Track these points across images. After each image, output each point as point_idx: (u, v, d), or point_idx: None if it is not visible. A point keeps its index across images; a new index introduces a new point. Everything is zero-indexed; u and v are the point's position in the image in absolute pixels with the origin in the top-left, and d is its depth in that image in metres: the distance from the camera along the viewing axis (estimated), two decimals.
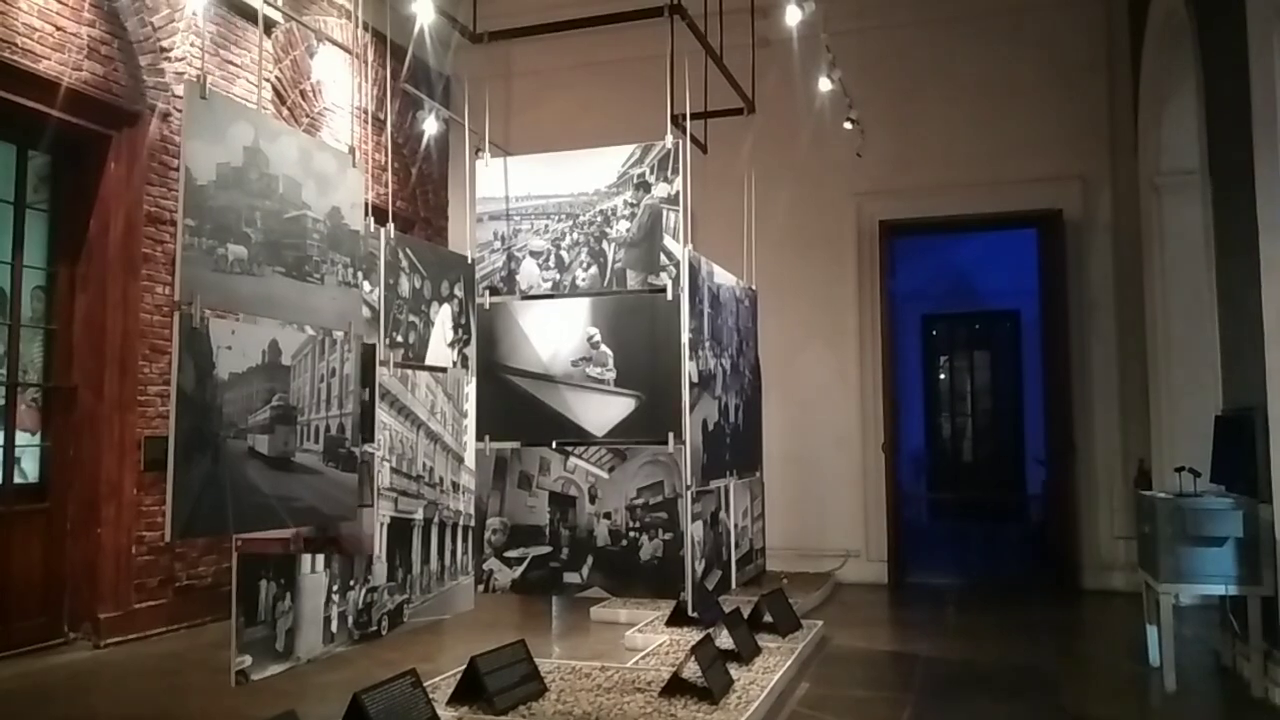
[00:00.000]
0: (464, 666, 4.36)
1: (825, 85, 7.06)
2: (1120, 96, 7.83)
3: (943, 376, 13.63)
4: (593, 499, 4.93)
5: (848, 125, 7.70)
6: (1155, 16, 6.81)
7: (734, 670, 4.78)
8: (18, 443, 5.82)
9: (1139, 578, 5.60)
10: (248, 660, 3.31)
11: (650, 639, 5.72)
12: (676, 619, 5.97)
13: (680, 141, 4.95)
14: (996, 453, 13.17)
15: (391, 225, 4.37)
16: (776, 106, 7.66)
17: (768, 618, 5.80)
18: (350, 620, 3.84)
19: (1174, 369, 7.11)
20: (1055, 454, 8.07)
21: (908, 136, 8.29)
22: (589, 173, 5.02)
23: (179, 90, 6.17)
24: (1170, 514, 4.87)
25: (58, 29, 5.62)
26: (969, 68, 8.22)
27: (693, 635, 5.30)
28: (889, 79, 8.31)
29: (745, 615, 5.61)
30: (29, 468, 5.93)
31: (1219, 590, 4.84)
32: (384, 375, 4.13)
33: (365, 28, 5.98)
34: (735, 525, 5.54)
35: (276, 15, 6.91)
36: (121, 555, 6.00)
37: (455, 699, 4.28)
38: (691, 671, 4.46)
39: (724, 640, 5.10)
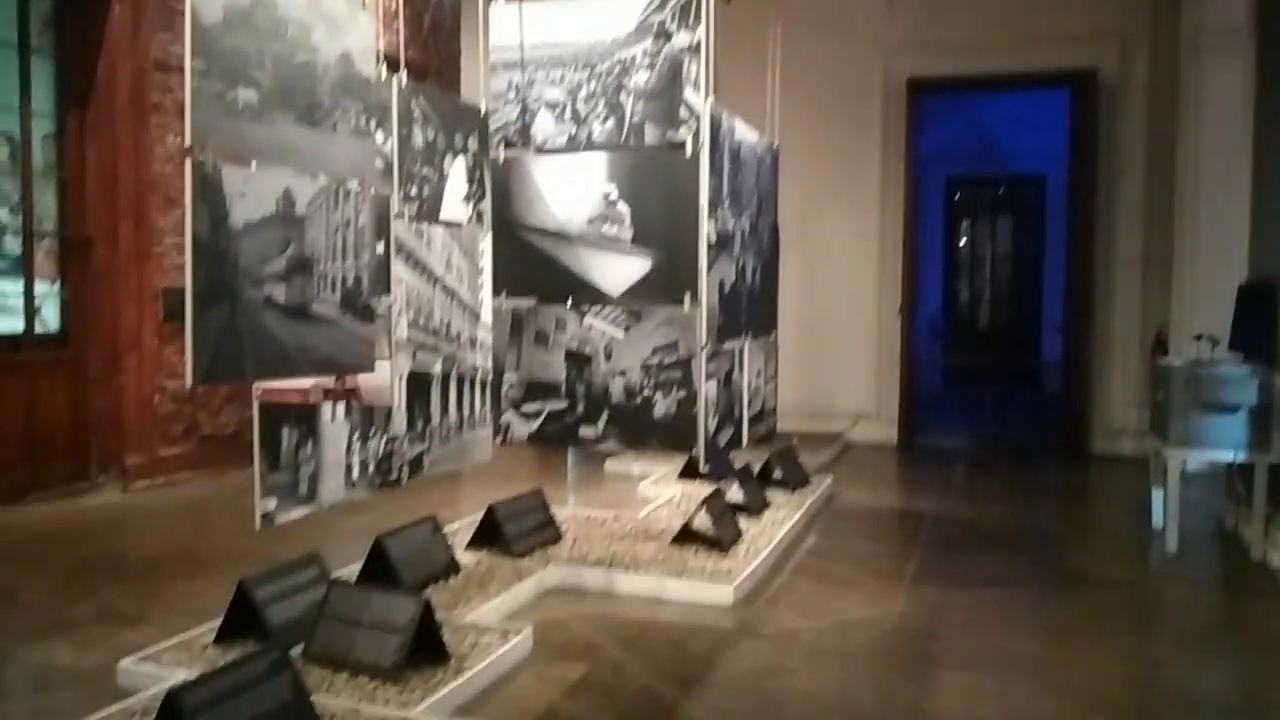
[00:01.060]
0: (482, 513, 4.48)
1: None
2: None
3: (964, 241, 13.47)
4: (608, 357, 4.96)
5: None
6: None
7: (743, 523, 4.90)
8: (36, 291, 5.86)
9: (1148, 444, 5.65)
10: (272, 504, 3.40)
11: (663, 491, 5.86)
12: (689, 473, 6.11)
13: None
14: (1013, 319, 13.13)
15: (404, 73, 4.24)
16: None
17: (777, 474, 5.92)
18: (371, 468, 3.93)
19: (1200, 238, 6.99)
20: (1073, 321, 8.02)
21: None
22: (607, 19, 4.84)
23: None
24: (1185, 380, 4.87)
25: None
26: None
27: (704, 489, 5.42)
28: None
29: (755, 471, 5.73)
30: (49, 317, 5.99)
31: (1228, 456, 4.87)
32: (399, 229, 4.09)
33: None
34: (748, 385, 5.58)
35: None
36: (144, 404, 6.12)
37: (474, 543, 4.43)
38: (702, 522, 4.58)
39: (734, 494, 5.22)
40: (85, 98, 5.98)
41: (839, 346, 8.32)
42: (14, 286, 5.75)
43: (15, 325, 5.73)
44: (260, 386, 3.37)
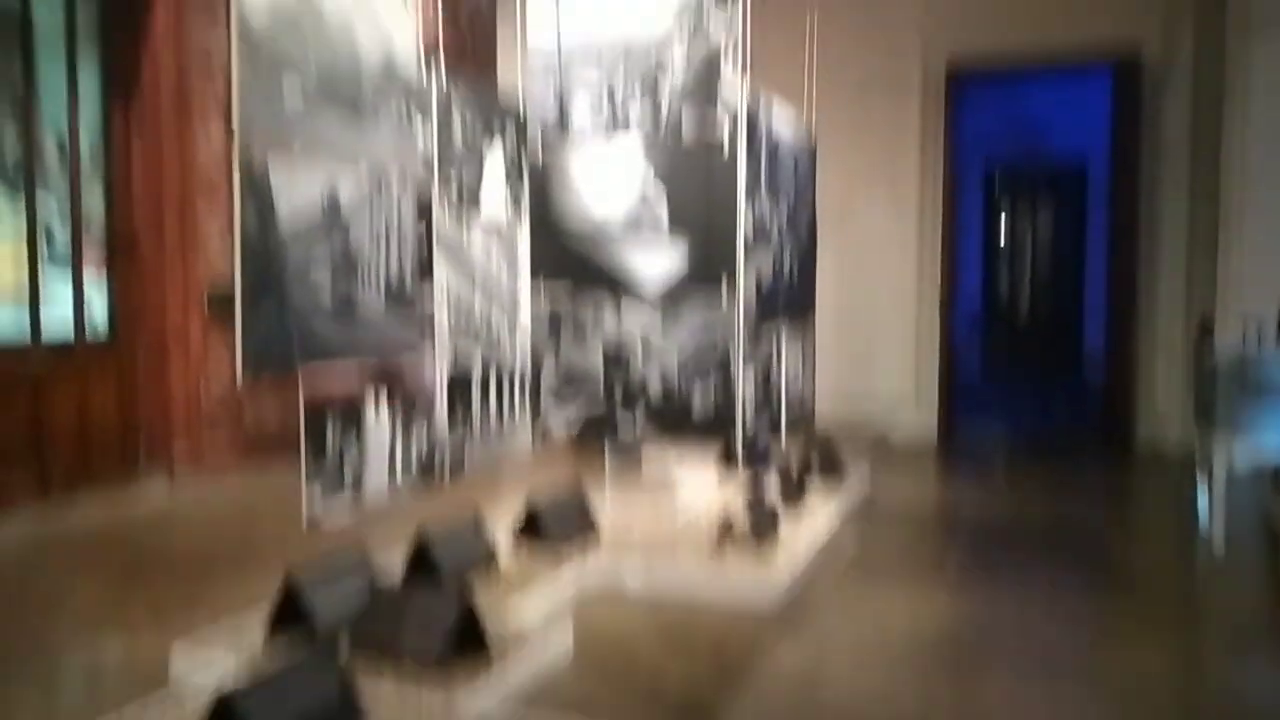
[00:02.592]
0: (522, 506, 4.50)
1: None
2: None
3: (1003, 231, 13.30)
4: (645, 354, 4.96)
5: None
6: None
7: (781, 519, 4.88)
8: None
9: (1193, 439, 5.55)
10: (318, 507, 3.45)
11: (700, 487, 5.84)
12: (726, 468, 6.08)
13: None
14: (1054, 310, 12.96)
15: (442, 62, 4.24)
16: None
17: (815, 469, 5.88)
18: (414, 468, 3.97)
19: (1246, 223, 6.84)
20: (1116, 313, 7.90)
21: None
22: (643, 11, 4.83)
23: None
24: (1231, 370, 4.78)
25: None
26: None
27: (742, 484, 5.40)
28: None
29: (793, 465, 5.70)
30: (98, 317, 6.07)
31: (1275, 442, 4.75)
32: (439, 223, 4.12)
33: None
34: (785, 379, 5.56)
35: None
36: (191, 401, 6.21)
37: (513, 536, 4.45)
38: (740, 520, 4.57)
39: (772, 489, 5.20)
40: (129, 93, 6.06)
41: (877, 341, 8.25)
42: (64, 289, 5.80)
43: (67, 330, 5.79)
44: (306, 386, 3.40)
